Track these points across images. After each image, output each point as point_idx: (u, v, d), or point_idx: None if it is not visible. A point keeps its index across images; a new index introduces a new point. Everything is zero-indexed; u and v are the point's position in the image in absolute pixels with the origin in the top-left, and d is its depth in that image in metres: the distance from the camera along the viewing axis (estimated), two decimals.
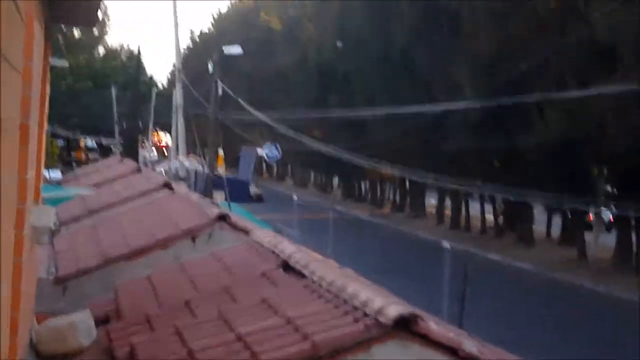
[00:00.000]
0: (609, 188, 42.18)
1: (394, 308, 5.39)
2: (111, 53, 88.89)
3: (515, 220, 49.44)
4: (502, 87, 32.50)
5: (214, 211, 10.90)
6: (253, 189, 67.41)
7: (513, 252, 43.93)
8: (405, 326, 5.29)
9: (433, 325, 5.39)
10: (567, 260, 41.29)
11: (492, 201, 52.08)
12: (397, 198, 68.68)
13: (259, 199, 65.11)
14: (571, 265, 40.30)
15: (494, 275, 35.74)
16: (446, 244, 26.11)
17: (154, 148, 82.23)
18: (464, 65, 40.38)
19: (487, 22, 38.93)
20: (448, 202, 56.95)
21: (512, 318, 28.48)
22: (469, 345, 5.46)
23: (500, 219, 51.68)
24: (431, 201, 62.76)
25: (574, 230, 44.28)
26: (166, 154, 50.54)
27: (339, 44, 56.27)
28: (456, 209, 54.95)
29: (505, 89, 33.32)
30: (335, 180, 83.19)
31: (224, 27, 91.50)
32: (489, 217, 52.75)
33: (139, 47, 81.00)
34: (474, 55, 39.51)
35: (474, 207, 54.46)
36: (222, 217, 10.59)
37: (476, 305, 25.30)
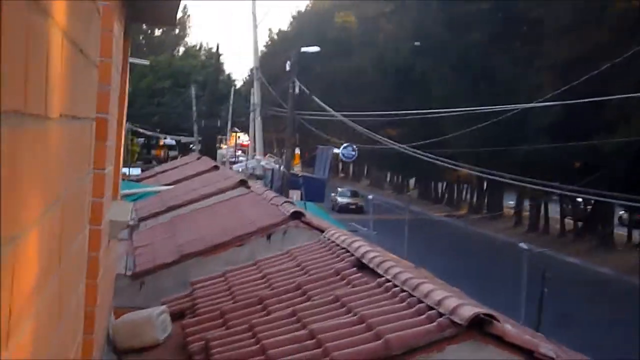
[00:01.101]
0: None
1: (468, 308, 5.32)
2: (191, 52, 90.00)
3: (596, 224, 48.53)
4: (583, 88, 31.90)
5: (289, 209, 10.91)
6: (347, 199, 61.86)
7: (592, 256, 43.12)
8: (480, 327, 5.22)
9: (509, 327, 5.30)
10: None
11: (572, 203, 51.22)
12: (474, 199, 68.06)
13: (358, 210, 58.56)
14: None
15: (573, 279, 35.12)
16: (524, 246, 25.77)
17: (238, 147, 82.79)
18: (544, 66, 39.87)
19: (568, 24, 38.39)
20: (526, 204, 56.21)
21: (591, 322, 27.96)
22: (546, 348, 5.35)
23: (580, 222, 50.78)
24: (509, 203, 62.03)
25: None
26: (248, 152, 50.66)
27: (417, 43, 56.00)
28: (534, 211, 54.17)
29: (587, 90, 32.73)
30: (412, 181, 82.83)
31: (302, 27, 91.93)
32: (568, 219, 51.89)
33: (217, 46, 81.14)
34: (555, 57, 38.97)
35: (553, 209, 53.61)
36: (297, 216, 10.60)
37: (554, 309, 24.90)
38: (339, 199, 61.24)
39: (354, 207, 59.88)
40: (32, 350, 1.76)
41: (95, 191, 4.35)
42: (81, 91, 2.55)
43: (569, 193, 39.81)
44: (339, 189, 64.12)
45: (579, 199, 47.73)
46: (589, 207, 49.67)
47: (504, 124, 38.83)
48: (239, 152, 79.69)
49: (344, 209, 57.90)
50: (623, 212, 49.14)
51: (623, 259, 42.41)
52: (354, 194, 64.55)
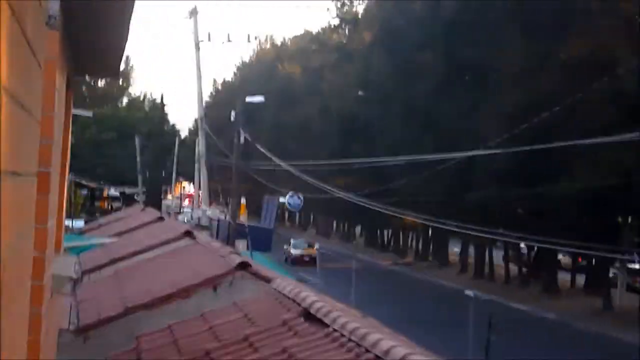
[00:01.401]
0: (635, 238, 41.81)
1: (416, 358, 5.32)
2: (135, 103, 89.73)
3: (540, 270, 49.05)
4: (527, 137, 32.44)
5: (236, 260, 10.86)
6: (301, 250, 57.61)
7: (538, 302, 43.49)
8: None
9: None
10: (592, 310, 40.80)
11: (517, 250, 51.75)
12: (420, 247, 68.41)
13: (312, 262, 51.51)
14: (597, 314, 39.80)
15: (519, 325, 35.34)
16: (470, 293, 25.93)
17: (183, 198, 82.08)
18: (488, 114, 40.47)
19: (513, 73, 39.11)
20: (472, 251, 56.65)
21: None
22: None
23: (525, 268, 51.30)
24: (454, 250, 62.46)
25: (600, 279, 43.83)
26: (194, 203, 48.45)
27: (361, 93, 56.53)
28: (480, 258, 54.61)
29: (531, 138, 33.29)
30: (358, 229, 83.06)
31: (247, 76, 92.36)
32: (513, 266, 52.38)
33: (162, 97, 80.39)
34: (499, 106, 39.60)
35: (498, 256, 54.09)
36: (244, 266, 10.55)
37: (500, 355, 24.99)
38: (293, 251, 58.31)
39: (308, 259, 55.67)
40: None
41: (37, 246, 4.29)
42: (22, 146, 2.52)
43: (512, 240, 40.24)
44: (293, 240, 60.75)
45: (523, 245, 48.26)
46: (532, 253, 50.24)
47: (450, 171, 39.28)
48: (185, 203, 79.22)
49: (297, 261, 55.33)
50: (562, 256, 49.83)
51: (567, 303, 42.86)
52: (309, 245, 60.53)
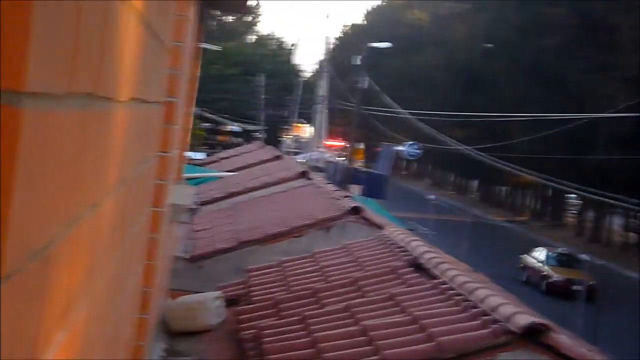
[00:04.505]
0: None
1: (524, 317, 5.26)
2: (262, 41, 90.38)
3: None
4: None
5: (349, 204, 10.90)
6: (561, 270, 34.64)
7: None
8: (534, 336, 5.15)
9: (564, 339, 5.23)
10: None
11: (637, 217, 50.30)
12: (537, 206, 67.27)
13: (589, 293, 26.38)
14: None
15: (633, 293, 34.48)
16: (584, 257, 25.44)
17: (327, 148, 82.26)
18: (616, 76, 39.28)
19: None
20: (589, 214, 55.38)
21: None
22: None
23: None
24: (572, 211, 61.19)
25: None
26: (344, 154, 45.66)
27: (489, 45, 55.50)
28: (598, 222, 53.33)
29: None
30: (474, 183, 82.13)
31: (375, 22, 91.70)
32: (633, 233, 51.02)
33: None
34: (629, 68, 38.34)
35: (617, 222, 52.75)
36: (357, 211, 10.58)
37: (612, 323, 24.52)
38: (551, 270, 35.40)
39: (579, 288, 27.54)
40: (89, 326, 1.79)
41: (160, 174, 4.40)
42: (152, 75, 2.57)
43: (634, 207, 39.11)
44: (545, 251, 38.51)
45: None
46: None
47: (573, 132, 38.36)
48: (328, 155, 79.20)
49: (556, 289, 33.64)
50: None
51: None
52: (570, 261, 35.29)
